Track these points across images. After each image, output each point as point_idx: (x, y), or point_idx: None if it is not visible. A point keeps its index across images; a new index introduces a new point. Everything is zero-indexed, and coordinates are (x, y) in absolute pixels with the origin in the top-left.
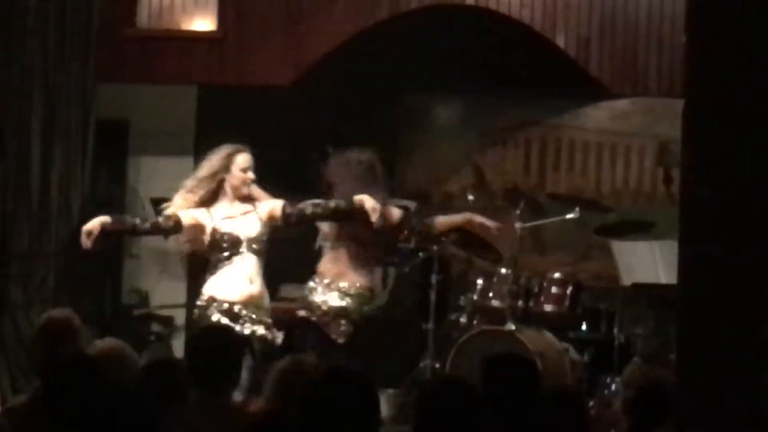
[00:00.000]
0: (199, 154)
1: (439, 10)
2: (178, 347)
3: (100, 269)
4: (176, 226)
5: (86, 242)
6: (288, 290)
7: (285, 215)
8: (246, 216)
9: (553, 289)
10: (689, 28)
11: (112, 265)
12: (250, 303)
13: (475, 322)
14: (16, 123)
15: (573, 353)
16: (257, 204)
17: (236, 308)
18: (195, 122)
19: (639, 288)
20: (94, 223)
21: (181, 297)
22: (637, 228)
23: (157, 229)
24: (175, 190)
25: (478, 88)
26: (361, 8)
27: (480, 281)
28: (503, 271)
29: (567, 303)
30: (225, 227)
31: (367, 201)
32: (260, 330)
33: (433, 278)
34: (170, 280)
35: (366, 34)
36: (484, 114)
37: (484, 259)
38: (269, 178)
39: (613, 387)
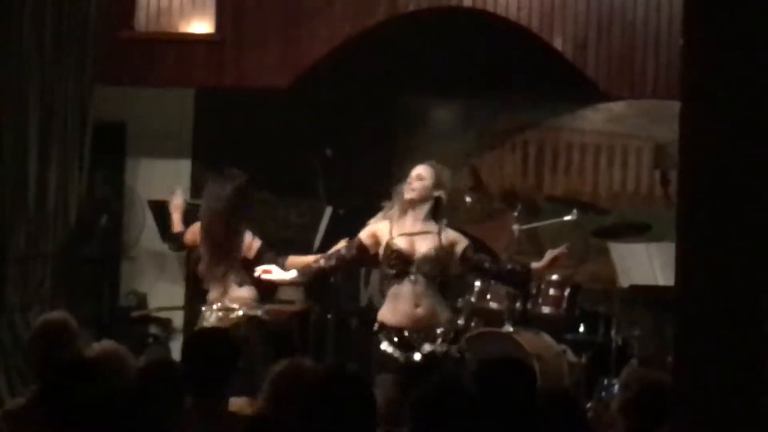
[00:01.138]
0: (196, 156)
1: (437, 13)
2: (176, 349)
3: (97, 271)
4: None
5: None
6: (286, 292)
7: (464, 260)
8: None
9: (551, 291)
10: (686, 30)
11: (109, 267)
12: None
13: (472, 324)
14: (13, 125)
15: (570, 355)
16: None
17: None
18: (192, 125)
19: (636, 290)
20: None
21: (179, 299)
22: (634, 230)
23: None
24: (172, 192)
25: (476, 91)
26: (359, 11)
27: (478, 283)
28: None
29: (564, 305)
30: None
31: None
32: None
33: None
34: (168, 282)
35: (364, 36)
36: (482, 116)
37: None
38: (267, 180)
39: (611, 389)
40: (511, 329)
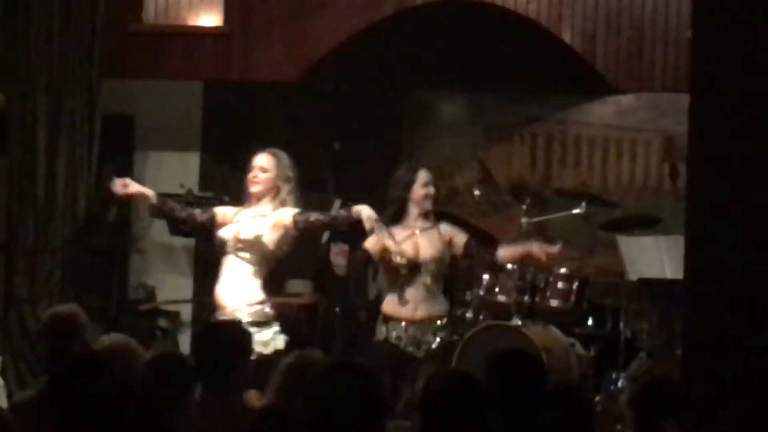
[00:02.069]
0: (205, 149)
1: (444, 6)
2: (185, 342)
3: (106, 264)
4: None
5: (120, 190)
6: (294, 285)
7: (294, 222)
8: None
9: (559, 285)
10: (695, 22)
11: (118, 260)
12: None
13: (480, 317)
14: (21, 118)
15: (579, 348)
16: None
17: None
18: (201, 118)
19: (645, 283)
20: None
21: (188, 292)
22: (643, 223)
23: None
24: (181, 185)
25: (484, 84)
26: (367, 4)
27: (486, 276)
28: (509, 266)
29: (573, 298)
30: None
31: (364, 210)
32: None
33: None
34: (177, 275)
35: (371, 29)
36: (490, 109)
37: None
38: None
39: (619, 382)
40: (519, 322)
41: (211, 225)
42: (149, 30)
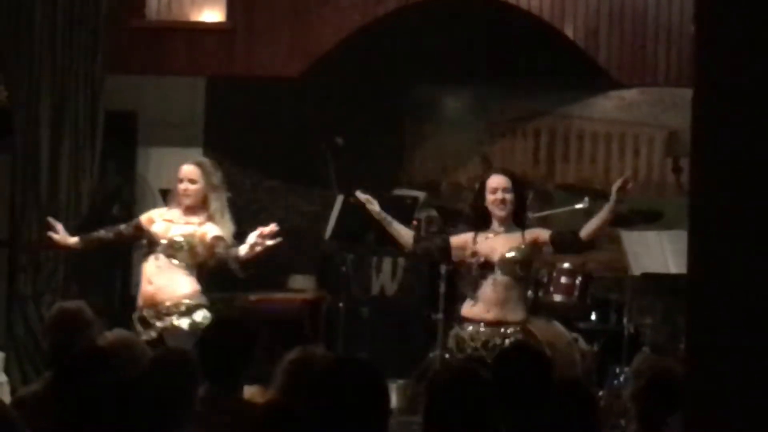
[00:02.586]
0: (207, 145)
1: (447, 1)
2: None
3: (109, 260)
4: None
5: (56, 236)
6: (297, 281)
7: (212, 245)
8: None
9: (563, 280)
10: (698, 17)
11: (121, 256)
12: None
13: None
14: (25, 114)
15: (582, 343)
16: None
17: None
18: (204, 113)
19: (648, 278)
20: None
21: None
22: (646, 218)
23: None
24: None
25: (487, 79)
26: (370, 0)
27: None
28: None
29: (576, 293)
30: None
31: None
32: None
33: (442, 268)
34: None
35: (375, 24)
36: (493, 104)
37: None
38: (278, 169)
39: (623, 377)
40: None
41: (140, 231)
42: (152, 26)
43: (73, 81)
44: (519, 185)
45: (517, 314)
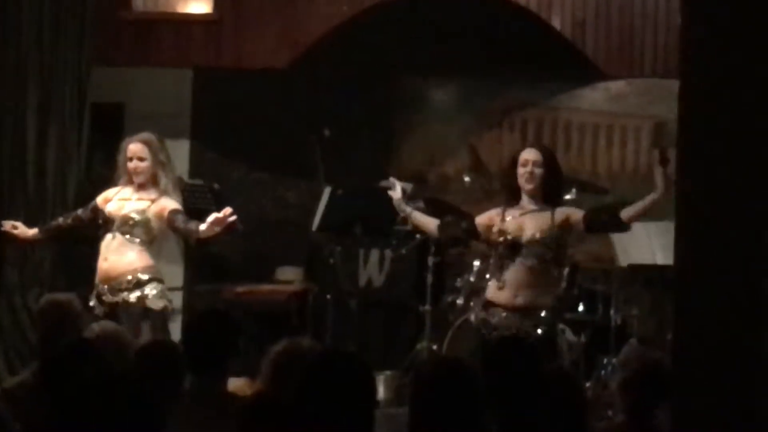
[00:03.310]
0: (195, 137)
1: None
2: (175, 330)
3: (96, 252)
4: None
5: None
6: (285, 273)
7: (168, 219)
8: None
9: None
10: (684, 8)
11: None
12: None
13: (471, 303)
14: (11, 106)
15: (569, 335)
16: None
17: None
18: (191, 105)
19: (635, 269)
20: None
21: (178, 280)
22: None
23: None
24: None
25: (474, 70)
26: None
27: (476, 263)
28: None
29: (563, 284)
30: None
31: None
32: None
33: (430, 260)
34: (166, 262)
35: (363, 15)
36: (481, 96)
37: (481, 241)
38: (266, 160)
39: (610, 368)
40: None
41: (96, 212)
42: (139, 17)
43: (60, 72)
44: (551, 162)
45: (546, 299)
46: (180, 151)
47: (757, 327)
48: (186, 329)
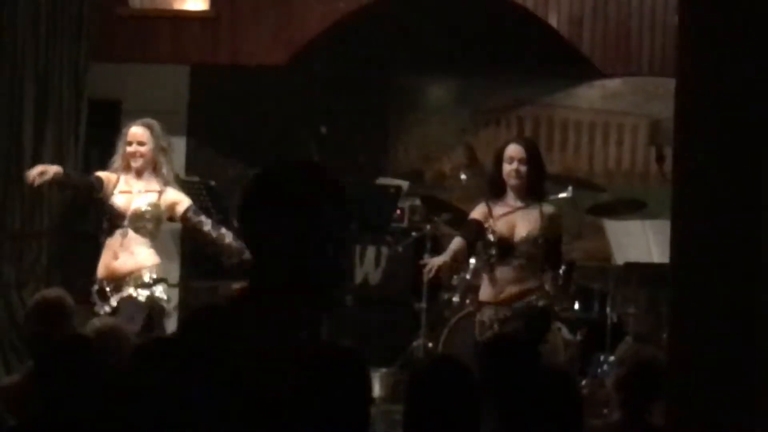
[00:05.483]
0: (191, 134)
1: None
2: (171, 326)
3: (93, 248)
4: None
5: (35, 179)
6: None
7: (184, 218)
8: None
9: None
10: (681, 7)
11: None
12: None
13: (467, 301)
14: (8, 102)
15: (566, 332)
16: None
17: None
18: (188, 102)
19: (631, 267)
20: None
21: (175, 276)
22: (629, 207)
23: None
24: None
25: (471, 68)
26: None
27: (472, 261)
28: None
29: (560, 282)
30: None
31: None
32: None
33: (426, 258)
34: (163, 259)
35: (359, 13)
36: (477, 93)
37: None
38: (262, 157)
39: (606, 366)
40: None
41: (100, 185)
42: (136, 14)
43: (57, 69)
44: (536, 157)
45: (534, 282)
46: (176, 147)
47: (753, 325)
48: (182, 325)
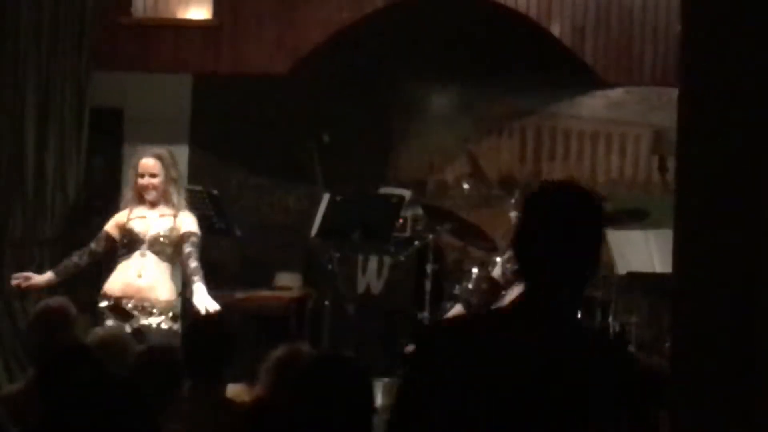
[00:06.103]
0: (194, 142)
1: None
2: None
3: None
4: None
5: (23, 284)
6: (283, 279)
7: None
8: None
9: None
10: (684, 16)
11: None
12: None
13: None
14: (10, 111)
15: None
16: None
17: None
18: (190, 111)
19: (634, 277)
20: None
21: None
22: (632, 217)
23: None
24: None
25: (473, 77)
26: None
27: (475, 270)
28: (498, 259)
29: None
30: None
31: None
32: None
33: (429, 267)
34: None
35: (362, 21)
36: (480, 102)
37: (479, 248)
38: (265, 166)
39: None
40: None
41: (111, 242)
42: (138, 22)
43: (59, 77)
44: None
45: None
46: (179, 156)
47: (755, 335)
48: (184, 335)
